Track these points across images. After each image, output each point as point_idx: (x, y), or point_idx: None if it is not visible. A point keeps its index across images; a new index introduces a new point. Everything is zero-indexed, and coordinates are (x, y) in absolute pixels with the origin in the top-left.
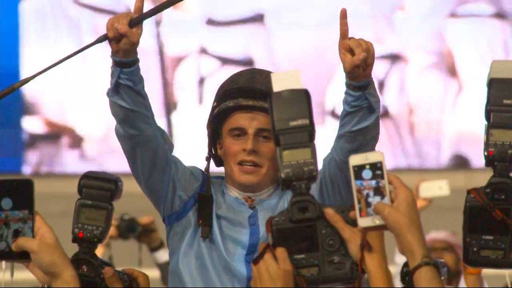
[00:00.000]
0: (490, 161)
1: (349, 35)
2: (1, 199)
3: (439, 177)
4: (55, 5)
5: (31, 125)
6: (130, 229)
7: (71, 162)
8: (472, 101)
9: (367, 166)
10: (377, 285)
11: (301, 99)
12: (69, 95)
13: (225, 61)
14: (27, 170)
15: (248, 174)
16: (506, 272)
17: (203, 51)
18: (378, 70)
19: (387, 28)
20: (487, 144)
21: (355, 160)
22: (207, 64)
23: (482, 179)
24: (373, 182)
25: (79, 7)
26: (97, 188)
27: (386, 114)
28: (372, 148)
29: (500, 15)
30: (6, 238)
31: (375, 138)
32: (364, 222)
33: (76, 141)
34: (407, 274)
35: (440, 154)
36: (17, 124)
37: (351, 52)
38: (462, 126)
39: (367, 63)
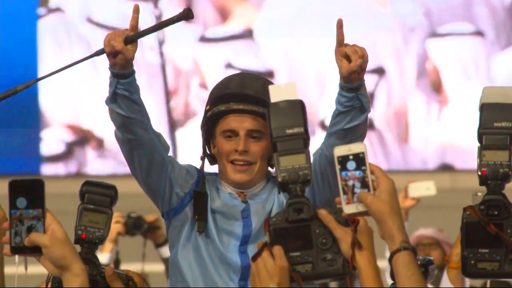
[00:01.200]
0: (483, 180)
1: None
2: (16, 198)
3: (426, 178)
4: (69, 23)
5: (52, 133)
6: (137, 226)
7: (97, 164)
8: (456, 114)
9: (351, 157)
10: (366, 280)
11: (296, 109)
12: (83, 103)
13: None
14: (59, 171)
15: (241, 173)
16: None
17: (229, 65)
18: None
19: (372, 45)
20: (480, 165)
21: (340, 151)
22: None
23: (466, 180)
24: (357, 173)
25: (91, 25)
26: (99, 194)
27: (375, 124)
28: None
29: (479, 33)
30: (21, 234)
31: (363, 135)
32: (348, 209)
33: (98, 144)
34: None
35: (426, 165)
36: (36, 123)
37: (347, 58)
38: (448, 137)
39: (362, 67)
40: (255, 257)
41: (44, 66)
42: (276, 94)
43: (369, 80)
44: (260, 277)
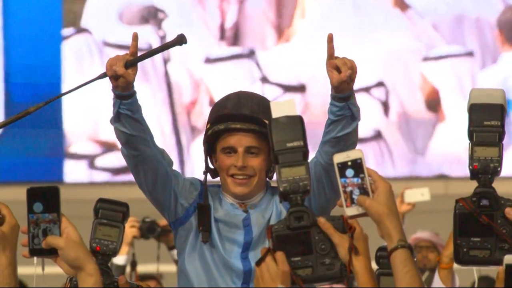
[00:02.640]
0: (475, 174)
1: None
2: (33, 204)
3: (421, 185)
4: (90, 44)
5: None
6: (151, 230)
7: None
8: (451, 128)
9: (349, 163)
10: (363, 283)
11: (296, 124)
12: (104, 117)
13: (286, 88)
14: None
15: (241, 186)
16: (474, 268)
17: (265, 79)
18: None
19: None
20: (471, 160)
21: (339, 158)
22: (270, 91)
23: (458, 187)
24: (355, 180)
25: (109, 47)
26: (112, 210)
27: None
28: None
29: (470, 53)
30: (38, 236)
31: (354, 143)
32: (350, 211)
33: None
34: (380, 257)
35: (423, 173)
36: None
37: (338, 69)
38: (445, 149)
39: (351, 78)
40: (259, 262)
41: (67, 87)
42: (277, 110)
43: (380, 92)
44: (264, 280)
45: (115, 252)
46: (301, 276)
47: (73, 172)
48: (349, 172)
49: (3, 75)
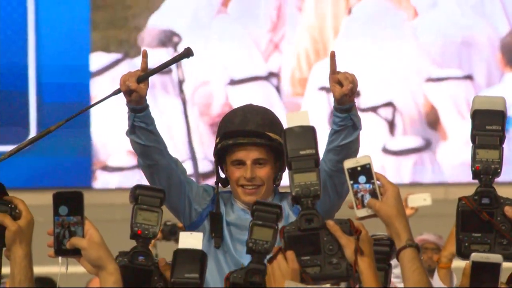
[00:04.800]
0: (477, 174)
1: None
2: (59, 207)
3: (423, 191)
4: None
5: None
6: (172, 232)
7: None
8: (452, 145)
9: (359, 168)
10: (367, 282)
11: (309, 133)
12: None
13: None
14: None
15: (250, 195)
16: None
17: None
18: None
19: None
20: (474, 161)
21: (348, 164)
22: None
23: (458, 193)
24: (367, 186)
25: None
26: (150, 196)
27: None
28: None
29: (469, 77)
30: (63, 238)
31: (356, 151)
32: (360, 213)
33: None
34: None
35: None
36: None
37: (340, 83)
38: (446, 161)
39: (352, 91)
40: (270, 260)
41: (96, 86)
42: (292, 121)
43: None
44: (275, 277)
45: (155, 235)
46: (310, 274)
47: (100, 180)
48: (362, 179)
49: (35, 76)
